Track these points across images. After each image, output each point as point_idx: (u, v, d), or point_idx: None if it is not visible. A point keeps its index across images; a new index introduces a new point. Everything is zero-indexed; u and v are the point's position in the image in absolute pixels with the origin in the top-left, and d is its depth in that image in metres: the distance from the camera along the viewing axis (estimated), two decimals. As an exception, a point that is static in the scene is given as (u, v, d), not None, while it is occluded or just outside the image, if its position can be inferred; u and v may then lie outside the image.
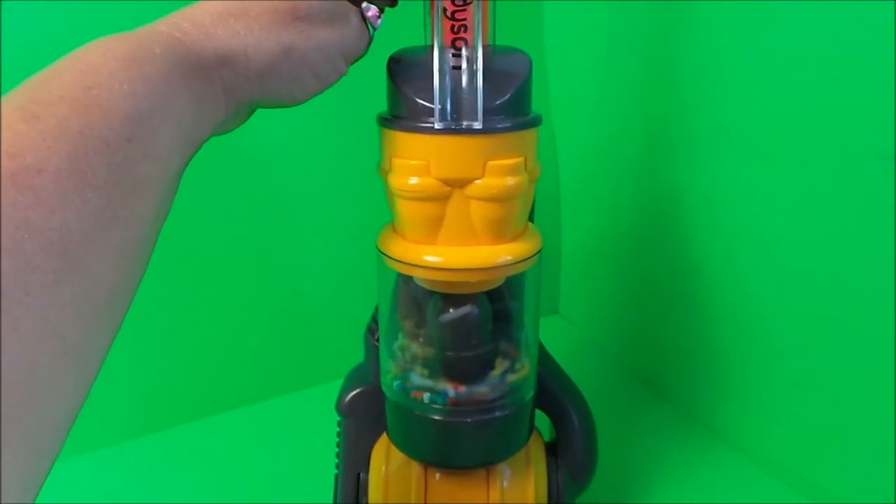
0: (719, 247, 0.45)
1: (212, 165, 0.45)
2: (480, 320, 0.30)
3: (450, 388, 0.30)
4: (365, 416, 0.35)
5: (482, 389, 0.30)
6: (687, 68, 0.44)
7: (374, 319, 0.35)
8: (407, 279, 0.32)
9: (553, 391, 0.35)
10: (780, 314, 0.41)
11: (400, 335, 0.33)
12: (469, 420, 0.29)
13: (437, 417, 0.30)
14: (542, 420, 0.36)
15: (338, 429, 0.36)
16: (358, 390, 0.35)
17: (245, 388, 0.51)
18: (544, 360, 0.36)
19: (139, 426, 0.48)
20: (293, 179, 0.50)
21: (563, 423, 0.35)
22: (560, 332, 0.61)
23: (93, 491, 0.43)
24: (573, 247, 0.63)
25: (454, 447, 0.30)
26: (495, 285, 0.30)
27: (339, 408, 0.35)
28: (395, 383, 0.31)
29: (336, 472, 0.35)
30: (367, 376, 0.35)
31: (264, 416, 0.51)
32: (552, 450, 0.35)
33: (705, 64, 0.42)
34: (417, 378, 0.31)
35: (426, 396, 0.30)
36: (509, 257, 0.28)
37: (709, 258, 0.46)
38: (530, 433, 0.33)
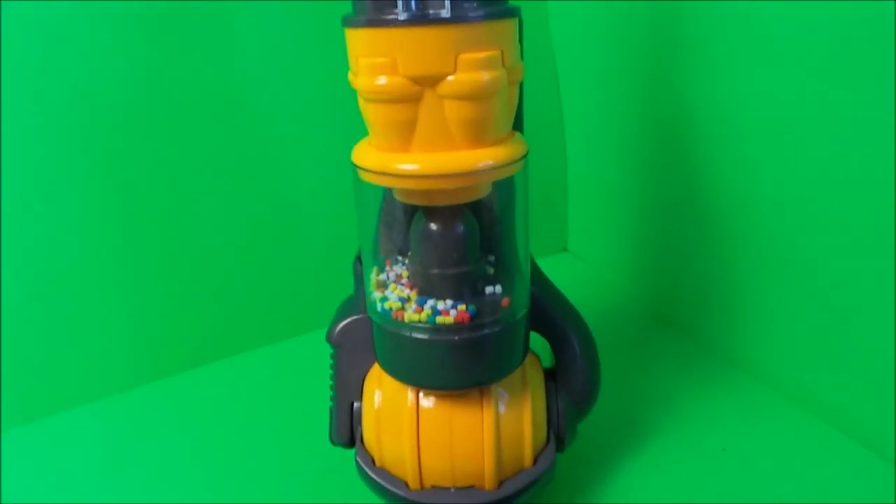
0: (734, 168, 0.42)
1: (203, 113, 0.45)
2: (465, 236, 0.29)
3: (436, 307, 0.28)
4: (356, 346, 0.33)
5: (470, 307, 0.28)
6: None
7: (363, 249, 0.34)
8: (387, 196, 0.31)
9: (551, 315, 0.34)
10: (799, 236, 0.39)
11: (383, 256, 0.31)
12: (456, 338, 0.28)
13: (423, 337, 0.28)
14: (542, 348, 0.35)
15: (330, 361, 0.35)
16: (348, 320, 0.34)
17: (241, 335, 0.51)
18: (541, 282, 0.34)
19: (129, 378, 0.48)
20: (285, 117, 0.48)
21: (562, 347, 0.34)
22: (570, 270, 0.59)
23: (92, 441, 0.43)
24: (580, 181, 0.60)
25: (442, 367, 0.29)
26: (480, 195, 0.28)
27: (330, 338, 0.34)
28: (380, 306, 0.30)
29: (330, 404, 0.35)
30: (356, 307, 0.34)
31: (261, 363, 0.50)
32: (552, 375, 0.34)
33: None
34: (402, 298, 0.29)
35: (412, 316, 0.28)
36: (490, 161, 0.26)
37: (723, 180, 0.43)
38: (525, 354, 0.31)
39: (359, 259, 0.34)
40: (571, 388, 0.33)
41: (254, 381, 0.48)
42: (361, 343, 0.33)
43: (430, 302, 0.29)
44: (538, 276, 0.34)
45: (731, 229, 0.43)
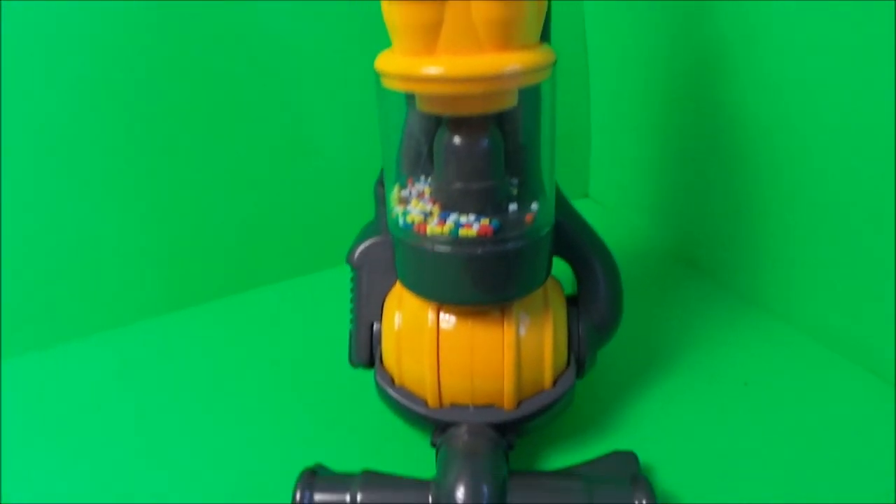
0: (760, 109, 0.41)
1: (215, 38, 0.44)
2: (490, 149, 0.28)
3: (459, 221, 0.28)
4: (376, 268, 0.33)
5: (493, 221, 0.28)
6: None
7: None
8: (410, 116, 0.30)
9: (575, 239, 0.33)
10: (825, 177, 0.38)
11: (405, 174, 0.31)
12: (479, 251, 0.28)
13: (445, 250, 0.28)
14: (565, 279, 0.34)
15: (351, 284, 0.35)
16: (368, 242, 0.34)
17: (263, 269, 0.51)
18: (565, 208, 0.33)
19: (144, 309, 0.48)
20: (302, 52, 0.47)
21: (585, 272, 0.33)
22: (592, 215, 0.58)
23: (100, 371, 0.42)
24: (603, 127, 0.59)
25: (464, 282, 0.28)
26: (506, 105, 0.27)
27: (350, 260, 0.34)
28: (402, 220, 0.29)
29: (350, 326, 0.35)
30: (377, 229, 0.34)
31: (279, 297, 0.50)
32: (574, 302, 0.34)
33: None
34: (425, 213, 0.29)
35: (434, 229, 0.28)
36: (517, 66, 0.25)
37: (749, 121, 0.42)
38: (548, 274, 0.31)
39: (380, 182, 0.34)
40: (593, 312, 0.33)
41: (270, 313, 0.48)
42: (381, 265, 0.33)
43: (453, 216, 0.28)
44: (562, 202, 0.33)
45: (756, 171, 0.42)
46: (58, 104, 0.42)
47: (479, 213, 0.28)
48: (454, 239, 0.28)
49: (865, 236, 0.36)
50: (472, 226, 0.28)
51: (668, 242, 0.52)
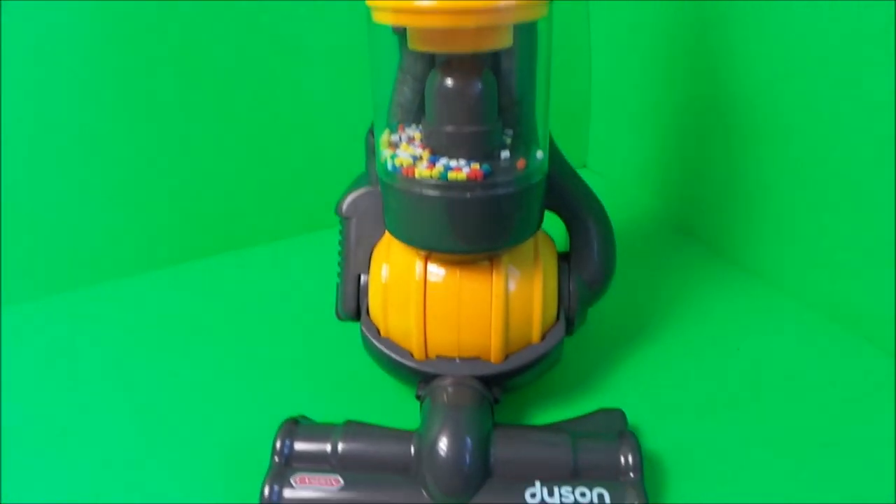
0: (759, 77, 0.40)
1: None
2: (483, 91, 0.27)
3: (449, 164, 0.27)
4: (365, 218, 0.33)
5: (484, 166, 0.27)
6: None
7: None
8: (402, 63, 0.30)
9: (567, 193, 0.33)
10: (821, 140, 0.37)
11: (397, 116, 0.30)
12: (468, 195, 0.27)
13: (434, 194, 0.27)
14: (557, 237, 0.34)
15: (339, 237, 0.34)
16: (358, 192, 0.33)
17: (254, 228, 0.50)
18: (558, 162, 0.32)
19: (140, 263, 0.47)
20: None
21: (577, 226, 0.33)
22: (590, 185, 0.58)
23: (95, 323, 0.42)
24: (602, 96, 0.58)
25: (453, 228, 0.28)
26: (500, 45, 0.26)
27: (340, 210, 0.33)
28: (390, 164, 0.28)
29: (338, 280, 0.34)
30: (368, 180, 0.33)
31: (270, 257, 0.50)
32: (565, 258, 0.33)
33: None
34: (414, 156, 0.28)
35: (423, 173, 0.27)
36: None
37: (747, 90, 0.41)
38: (538, 225, 0.30)
39: (371, 132, 0.33)
40: (584, 268, 0.32)
41: (259, 271, 0.48)
42: (370, 216, 0.33)
43: (443, 160, 0.27)
44: (556, 156, 0.32)
45: (752, 141, 0.42)
46: (59, 60, 0.41)
47: (470, 159, 0.27)
48: (443, 182, 0.27)
49: (860, 204, 0.36)
50: (462, 169, 0.27)
51: (665, 211, 0.52)
